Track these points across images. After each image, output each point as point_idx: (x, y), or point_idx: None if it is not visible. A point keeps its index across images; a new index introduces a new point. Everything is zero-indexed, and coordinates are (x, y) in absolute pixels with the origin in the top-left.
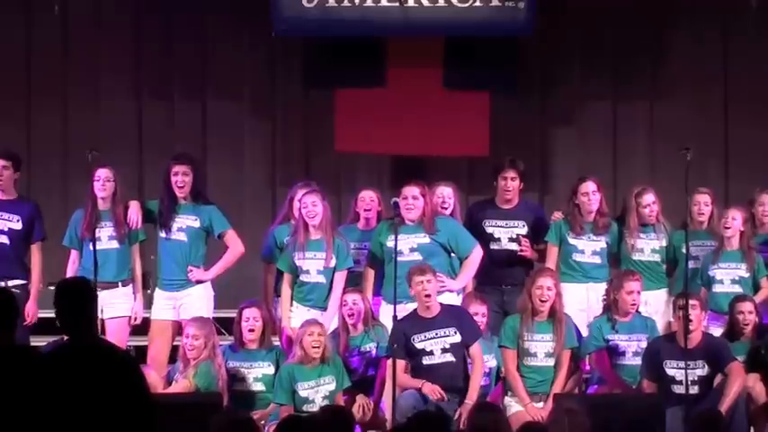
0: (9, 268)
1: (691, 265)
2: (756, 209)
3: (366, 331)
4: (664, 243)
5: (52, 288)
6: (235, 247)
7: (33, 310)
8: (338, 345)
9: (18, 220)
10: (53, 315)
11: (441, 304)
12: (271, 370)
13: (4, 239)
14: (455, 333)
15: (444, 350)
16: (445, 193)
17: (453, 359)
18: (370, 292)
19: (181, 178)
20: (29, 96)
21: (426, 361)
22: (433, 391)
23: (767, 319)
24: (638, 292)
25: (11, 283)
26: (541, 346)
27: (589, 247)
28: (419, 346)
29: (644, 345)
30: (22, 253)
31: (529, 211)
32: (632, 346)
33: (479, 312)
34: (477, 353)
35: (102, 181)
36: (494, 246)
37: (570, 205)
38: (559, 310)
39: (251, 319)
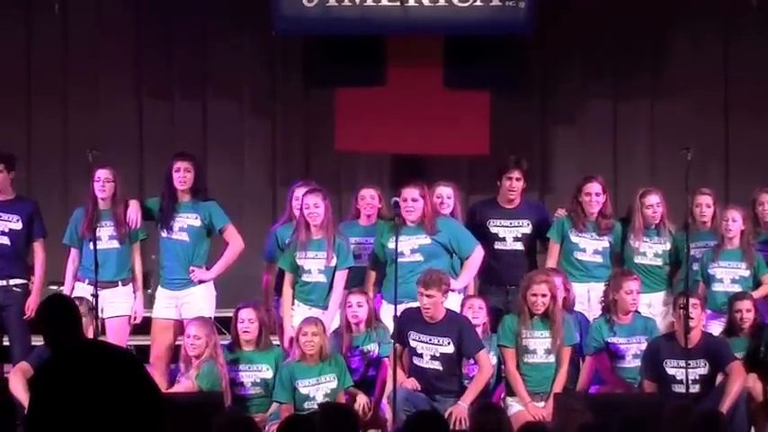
0: (10, 268)
1: (695, 267)
2: (757, 208)
3: (368, 332)
4: (667, 247)
5: (53, 288)
6: (234, 242)
7: (33, 306)
8: (341, 344)
9: (18, 220)
10: None
11: (447, 311)
12: (269, 374)
13: (5, 240)
14: (449, 344)
15: (433, 357)
16: (444, 193)
17: (441, 368)
18: (371, 293)
19: (183, 174)
20: (29, 96)
21: (415, 360)
22: (408, 383)
23: (767, 317)
24: (638, 292)
25: (12, 282)
26: (540, 343)
27: (591, 246)
28: (412, 344)
29: (644, 347)
30: (23, 252)
31: (532, 210)
32: (632, 349)
33: (475, 306)
34: (483, 361)
35: (102, 182)
36: (498, 245)
37: (574, 203)
38: (555, 308)
39: (246, 320)
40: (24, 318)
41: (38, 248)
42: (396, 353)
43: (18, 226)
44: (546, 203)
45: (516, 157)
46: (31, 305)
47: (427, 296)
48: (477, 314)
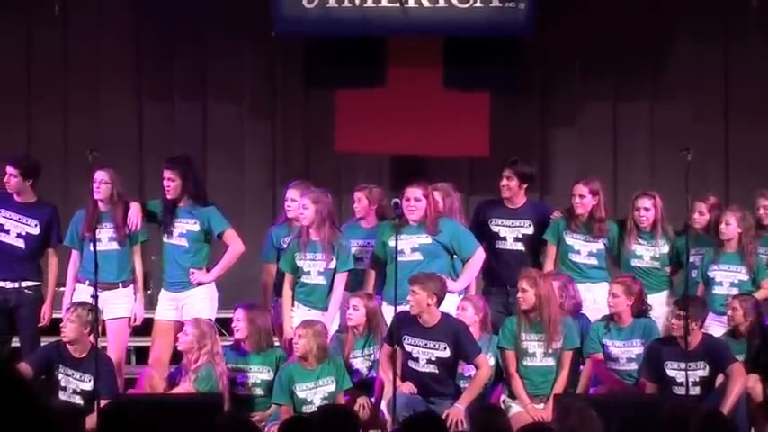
0: (23, 270)
1: (693, 274)
2: (758, 212)
3: (369, 334)
4: (664, 250)
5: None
6: (234, 246)
7: (48, 313)
8: (343, 345)
9: (36, 225)
10: (58, 317)
11: (442, 315)
12: (269, 375)
13: (20, 243)
14: (445, 349)
15: (430, 361)
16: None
17: (436, 371)
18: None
19: (166, 183)
20: (29, 97)
21: (411, 364)
22: (406, 387)
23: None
24: (614, 295)
25: (24, 284)
26: (539, 346)
27: (585, 249)
28: (407, 348)
29: (638, 350)
30: (36, 256)
31: (535, 210)
32: (627, 353)
33: (465, 307)
34: (482, 364)
35: (98, 183)
36: (499, 245)
37: (569, 204)
38: (549, 309)
39: (234, 320)
40: (40, 325)
41: (52, 255)
42: (388, 353)
43: (35, 231)
44: None
45: (517, 158)
46: (46, 313)
47: (411, 291)
48: (462, 315)
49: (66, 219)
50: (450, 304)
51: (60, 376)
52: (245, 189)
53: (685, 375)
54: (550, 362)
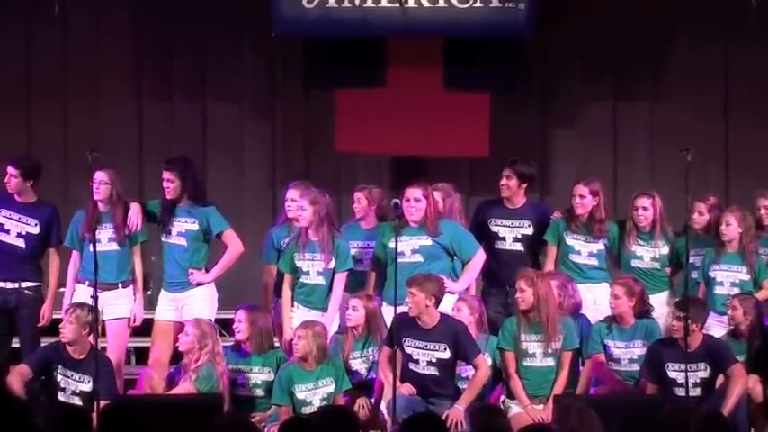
0: (23, 270)
1: (693, 275)
2: (758, 212)
3: (368, 335)
4: (664, 251)
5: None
6: (233, 246)
7: (48, 314)
8: (342, 346)
9: (36, 225)
10: (59, 317)
11: (442, 316)
12: (270, 376)
13: (21, 243)
14: (445, 350)
15: (430, 363)
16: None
17: (437, 373)
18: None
19: (166, 184)
20: (29, 97)
21: (411, 366)
22: (405, 388)
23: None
24: (616, 296)
25: (24, 284)
26: (539, 346)
27: (585, 249)
28: (407, 350)
29: (639, 351)
30: (37, 256)
31: (535, 211)
32: (628, 354)
33: (460, 308)
34: (481, 365)
35: (97, 184)
36: (499, 245)
37: (569, 205)
38: (547, 309)
39: (236, 321)
40: (39, 325)
41: (53, 255)
42: (387, 355)
43: (35, 230)
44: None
45: (517, 158)
46: (46, 313)
47: (409, 293)
48: (457, 316)
49: (66, 219)
50: (449, 305)
51: (59, 377)
52: (245, 189)
53: (686, 377)
54: (550, 362)
